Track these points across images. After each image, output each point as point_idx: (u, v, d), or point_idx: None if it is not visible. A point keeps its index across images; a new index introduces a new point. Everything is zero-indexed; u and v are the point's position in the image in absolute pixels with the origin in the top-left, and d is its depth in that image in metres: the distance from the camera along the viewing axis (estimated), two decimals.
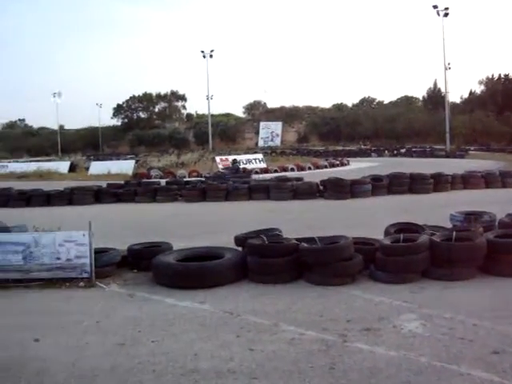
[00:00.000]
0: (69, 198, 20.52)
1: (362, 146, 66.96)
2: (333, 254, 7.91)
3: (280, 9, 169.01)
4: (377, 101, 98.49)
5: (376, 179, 20.10)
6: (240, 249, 8.96)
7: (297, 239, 8.56)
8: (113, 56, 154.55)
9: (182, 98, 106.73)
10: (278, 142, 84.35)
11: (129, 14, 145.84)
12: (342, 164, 40.22)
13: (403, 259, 7.81)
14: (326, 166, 37.41)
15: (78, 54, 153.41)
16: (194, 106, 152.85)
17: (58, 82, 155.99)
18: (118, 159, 48.79)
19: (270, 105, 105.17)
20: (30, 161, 51.40)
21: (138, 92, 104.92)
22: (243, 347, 5.58)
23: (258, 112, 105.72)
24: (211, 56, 71.85)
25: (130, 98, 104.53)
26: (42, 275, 8.48)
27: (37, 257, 8.44)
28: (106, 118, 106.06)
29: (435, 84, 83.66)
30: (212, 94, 76.83)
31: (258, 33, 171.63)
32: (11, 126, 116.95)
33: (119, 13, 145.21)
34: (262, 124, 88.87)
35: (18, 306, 7.55)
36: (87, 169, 38.92)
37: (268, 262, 8.04)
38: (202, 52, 71.91)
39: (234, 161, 36.26)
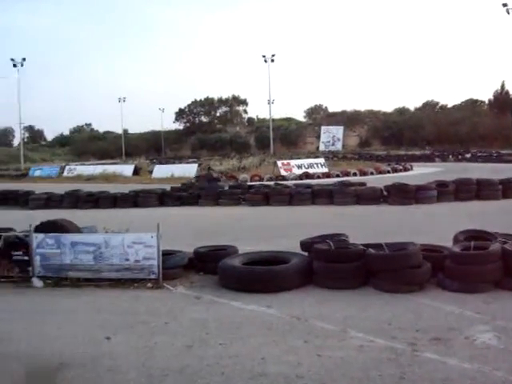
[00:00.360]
0: (134, 200, 21.05)
1: (427, 151, 65.34)
2: (401, 261, 7.76)
3: (341, 12, 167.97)
4: (440, 104, 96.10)
5: (441, 185, 19.58)
6: (306, 253, 8.91)
7: (363, 245, 8.43)
8: (175, 61, 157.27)
9: (244, 102, 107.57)
10: (339, 146, 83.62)
11: (192, 19, 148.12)
12: (405, 169, 39.47)
13: (475, 268, 7.53)
14: (388, 171, 36.81)
15: (142, 59, 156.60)
16: (256, 110, 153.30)
17: (123, 87, 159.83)
18: (181, 163, 49.51)
19: (332, 109, 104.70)
20: (96, 164, 52.78)
21: (200, 96, 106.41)
22: (311, 353, 5.53)
23: (319, 116, 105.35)
24: (272, 60, 72.13)
25: (192, 102, 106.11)
26: (112, 275, 8.70)
27: (106, 257, 8.66)
28: (168, 122, 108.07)
29: (503, 86, 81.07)
30: (273, 99, 77.23)
31: (320, 36, 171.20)
32: (78, 130, 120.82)
33: (183, 18, 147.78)
34: (323, 128, 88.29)
35: (89, 305, 7.76)
36: (151, 172, 39.64)
37: (335, 267, 7.97)
38: (264, 56, 72.30)
39: (209, 168, 36.74)
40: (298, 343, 5.83)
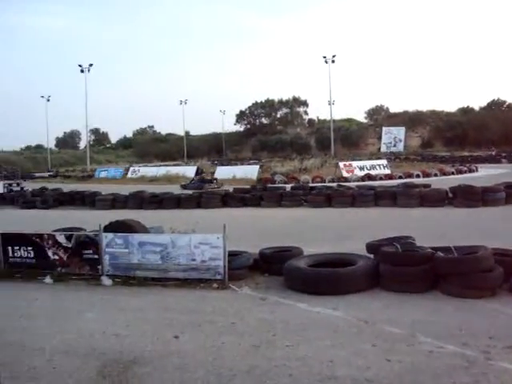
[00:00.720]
0: (197, 201, 21.31)
1: (492, 152, 63.25)
2: (471, 265, 7.53)
3: (401, 11, 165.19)
4: (507, 103, 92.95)
5: (510, 186, 18.96)
6: (371, 256, 8.79)
7: (432, 248, 8.24)
8: (236, 63, 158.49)
9: (304, 103, 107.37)
10: (400, 147, 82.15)
11: (252, 22, 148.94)
12: (470, 170, 38.41)
13: None
14: (453, 173, 35.90)
15: (203, 62, 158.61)
16: (316, 111, 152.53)
17: (185, 90, 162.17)
18: (242, 164, 49.79)
19: (393, 109, 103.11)
20: (159, 165, 53.69)
21: (261, 98, 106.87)
22: (379, 357, 5.45)
23: (380, 117, 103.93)
24: (333, 61, 71.63)
25: (253, 104, 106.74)
26: (178, 275, 8.84)
27: (173, 257, 8.80)
28: (229, 124, 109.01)
29: None
30: (334, 99, 76.61)
31: (381, 36, 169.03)
32: (141, 132, 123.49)
33: (243, 21, 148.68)
34: (384, 129, 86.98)
35: (158, 304, 7.91)
36: (213, 173, 40.01)
37: (402, 270, 7.83)
38: (324, 57, 71.91)
39: (198, 169, 38.59)
40: (365, 347, 5.76)
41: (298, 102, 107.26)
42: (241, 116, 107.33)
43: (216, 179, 33.86)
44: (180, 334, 6.48)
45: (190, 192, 22.73)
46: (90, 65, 66.87)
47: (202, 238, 8.72)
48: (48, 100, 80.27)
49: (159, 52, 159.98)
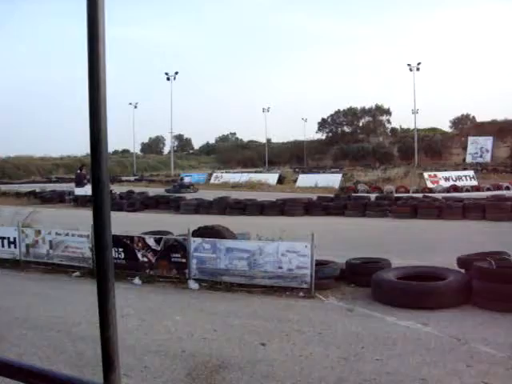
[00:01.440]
0: (280, 208, 21.36)
1: None
2: None
3: (486, 17, 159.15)
4: None
5: None
6: (462, 271, 8.48)
7: None
8: (318, 71, 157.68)
9: (387, 112, 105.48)
10: (487, 158, 79.07)
11: (334, 29, 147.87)
12: None
13: None
14: None
15: (285, 70, 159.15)
16: (399, 119, 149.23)
17: (267, 97, 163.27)
18: (324, 172, 49.57)
19: (480, 118, 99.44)
20: (242, 172, 54.24)
21: (343, 106, 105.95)
22: (476, 379, 5.20)
23: (465, 126, 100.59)
24: (418, 69, 70.01)
25: (335, 112, 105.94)
26: (264, 282, 8.86)
27: (260, 264, 8.84)
28: (310, 132, 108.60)
29: None
30: (418, 108, 74.85)
31: (466, 42, 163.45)
32: (224, 139, 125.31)
33: (326, 28, 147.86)
34: (470, 139, 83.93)
35: (244, 310, 7.96)
36: (294, 181, 40.03)
37: (498, 288, 7.47)
38: (409, 65, 70.37)
39: (181, 178, 39.15)
40: (459, 366, 5.53)
41: (380, 111, 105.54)
42: (322, 124, 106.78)
43: (192, 185, 36.67)
44: (267, 341, 6.48)
45: (272, 199, 22.79)
46: (176, 73, 68.54)
47: (289, 246, 8.71)
48: (135, 107, 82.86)
49: (242, 59, 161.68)
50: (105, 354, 1.50)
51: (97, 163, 1.41)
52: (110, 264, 1.53)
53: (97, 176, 1.43)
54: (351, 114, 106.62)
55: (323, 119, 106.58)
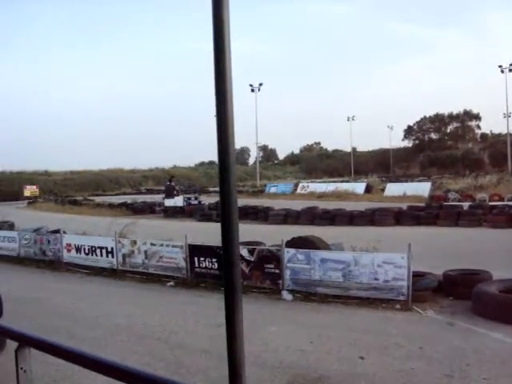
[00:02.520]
0: (370, 218, 21.01)
1: None
2: None
3: None
4: None
5: None
6: None
7: None
8: (403, 77, 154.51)
9: (476, 117, 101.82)
10: None
11: (418, 34, 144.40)
12: None
13: None
14: None
15: (370, 77, 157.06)
16: (490, 125, 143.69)
17: (352, 106, 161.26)
18: (412, 181, 48.40)
19: None
20: (328, 182, 53.92)
21: (429, 113, 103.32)
22: None
23: None
24: (510, 70, 67.17)
25: (421, 119, 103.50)
26: (359, 294, 8.72)
27: (355, 275, 8.71)
28: (396, 140, 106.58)
29: None
30: (510, 112, 71.72)
31: None
32: (308, 148, 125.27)
33: (409, 34, 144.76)
34: None
35: (340, 322, 7.87)
36: (382, 190, 39.34)
37: None
38: (500, 66, 67.64)
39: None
40: None
41: (469, 116, 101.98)
42: (409, 131, 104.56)
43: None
44: (365, 355, 6.36)
45: (361, 209, 22.47)
46: (260, 84, 69.21)
47: (385, 257, 8.54)
48: None
49: (326, 68, 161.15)
50: (231, 366, 1.51)
51: (225, 179, 1.42)
52: (237, 278, 1.54)
53: (225, 192, 1.44)
54: (438, 121, 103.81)
55: (409, 126, 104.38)
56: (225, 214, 1.45)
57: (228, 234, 1.48)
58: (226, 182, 1.42)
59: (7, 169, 72.54)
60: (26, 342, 2.26)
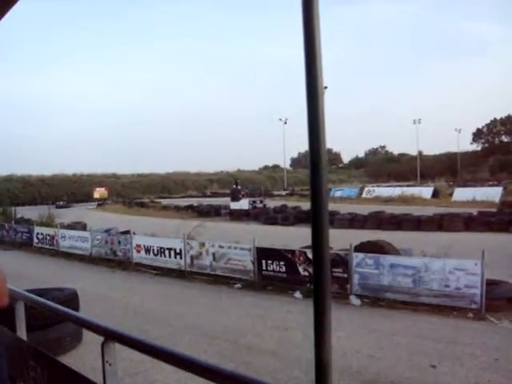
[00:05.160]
0: (438, 223, 20.51)
1: None
2: None
3: None
4: None
5: None
6: None
7: None
8: (471, 79, 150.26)
9: None
10: None
11: (488, 32, 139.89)
12: None
13: None
14: None
15: (436, 79, 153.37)
16: None
17: (418, 109, 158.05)
18: (482, 186, 46.99)
19: None
20: (395, 186, 53.08)
21: (500, 115, 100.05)
22: None
23: None
24: None
25: (491, 121, 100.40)
26: (430, 300, 8.53)
27: (425, 282, 8.52)
28: (465, 143, 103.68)
29: None
30: None
31: None
32: (373, 152, 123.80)
33: (477, 32, 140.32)
34: None
35: (410, 329, 7.70)
36: (450, 195, 38.40)
37: None
38: None
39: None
40: None
41: None
42: (477, 134, 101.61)
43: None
44: (437, 363, 6.20)
45: (429, 214, 21.98)
46: (325, 87, 68.88)
47: (457, 264, 8.31)
48: (285, 123, 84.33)
49: (391, 70, 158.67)
50: (318, 373, 1.49)
51: (316, 182, 1.40)
52: (327, 283, 1.52)
53: (316, 195, 1.43)
54: (510, 123, 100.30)
55: (478, 129, 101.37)
56: (315, 219, 1.43)
57: (318, 239, 1.46)
58: (317, 188, 1.41)
59: (78, 171, 75.25)
60: (111, 336, 2.32)
